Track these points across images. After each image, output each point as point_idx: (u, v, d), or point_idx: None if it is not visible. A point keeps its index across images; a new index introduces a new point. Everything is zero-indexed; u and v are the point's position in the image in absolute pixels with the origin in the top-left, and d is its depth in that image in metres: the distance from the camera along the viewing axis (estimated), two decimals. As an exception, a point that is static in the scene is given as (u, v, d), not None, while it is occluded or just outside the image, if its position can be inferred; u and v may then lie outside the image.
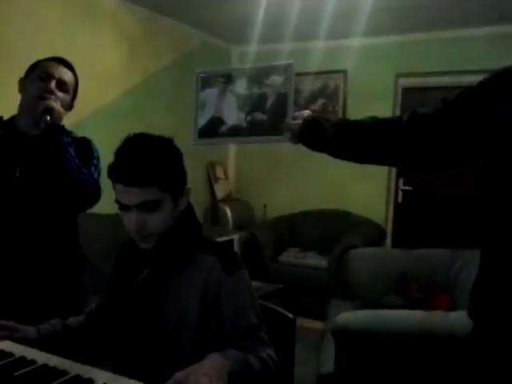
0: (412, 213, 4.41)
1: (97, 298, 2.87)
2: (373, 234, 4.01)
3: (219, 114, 1.29)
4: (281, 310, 1.42)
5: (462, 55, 3.99)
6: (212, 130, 1.30)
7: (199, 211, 4.58)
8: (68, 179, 1.51)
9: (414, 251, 3.01)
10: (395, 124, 1.15)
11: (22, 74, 1.64)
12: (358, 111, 4.45)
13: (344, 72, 4.53)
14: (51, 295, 1.58)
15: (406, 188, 4.42)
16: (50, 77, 1.57)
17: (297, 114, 1.24)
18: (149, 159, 1.10)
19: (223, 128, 1.29)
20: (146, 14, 3.83)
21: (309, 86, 4.68)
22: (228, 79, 1.29)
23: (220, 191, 4.74)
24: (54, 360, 1.04)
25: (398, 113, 4.40)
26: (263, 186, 4.88)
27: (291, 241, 4.39)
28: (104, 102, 3.54)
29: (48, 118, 1.51)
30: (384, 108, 4.35)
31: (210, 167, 4.74)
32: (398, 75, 4.37)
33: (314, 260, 3.98)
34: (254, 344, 1.09)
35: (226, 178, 4.95)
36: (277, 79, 1.25)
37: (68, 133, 1.63)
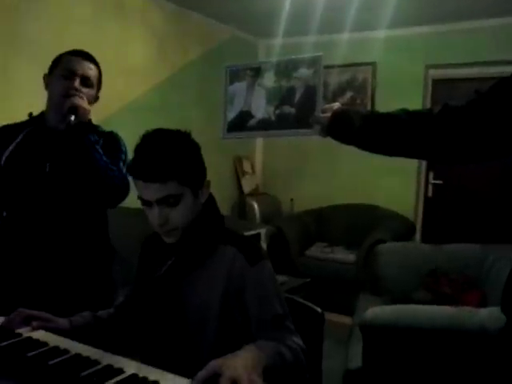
0: (442, 207, 4.32)
1: (125, 291, 2.94)
2: (402, 229, 3.94)
3: (248, 108, 1.29)
4: (309, 304, 1.41)
5: (492, 45, 3.88)
6: (241, 123, 1.30)
7: (226, 205, 4.61)
8: (97, 177, 1.53)
9: (445, 246, 2.95)
10: (427, 116, 1.13)
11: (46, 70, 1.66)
12: (387, 104, 4.36)
13: (372, 64, 4.46)
14: (82, 288, 1.61)
15: (437, 182, 4.34)
16: (73, 74, 1.58)
17: (326, 106, 1.23)
18: (166, 154, 1.11)
19: (252, 121, 1.29)
20: (173, 9, 3.86)
21: (336, 78, 4.63)
22: (256, 72, 1.29)
23: (247, 185, 4.76)
24: (86, 350, 1.06)
25: (428, 105, 4.31)
26: (290, 179, 4.86)
27: (318, 235, 4.37)
28: (132, 98, 3.59)
29: (73, 117, 1.52)
30: (414, 100, 4.27)
31: (238, 161, 4.76)
32: (428, 66, 4.27)
33: (342, 254, 3.96)
34: (282, 334, 1.09)
35: (253, 172, 4.96)
36: (305, 72, 1.24)
37: (95, 128, 1.65)
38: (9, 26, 2.77)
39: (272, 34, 4.63)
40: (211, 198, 1.25)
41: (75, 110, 1.53)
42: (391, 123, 1.15)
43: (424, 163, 4.40)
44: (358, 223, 4.20)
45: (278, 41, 4.80)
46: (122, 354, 1.07)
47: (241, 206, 4.58)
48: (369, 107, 4.50)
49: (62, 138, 1.59)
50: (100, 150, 1.56)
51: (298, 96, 1.25)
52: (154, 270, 1.24)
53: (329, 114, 1.21)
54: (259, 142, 5.12)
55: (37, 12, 2.89)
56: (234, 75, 1.32)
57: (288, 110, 1.25)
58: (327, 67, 4.65)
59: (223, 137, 1.34)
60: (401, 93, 4.32)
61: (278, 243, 3.91)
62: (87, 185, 1.56)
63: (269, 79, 1.27)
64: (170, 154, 1.12)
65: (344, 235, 4.24)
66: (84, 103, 1.56)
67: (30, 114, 1.67)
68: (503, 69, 3.85)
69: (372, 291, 3.05)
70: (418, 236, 4.30)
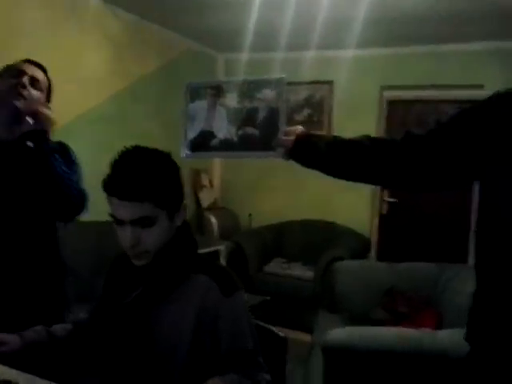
0: (397, 224, 4.43)
1: (81, 307, 2.80)
2: (357, 245, 4.01)
3: (209, 128, 1.27)
4: (272, 328, 1.40)
5: (446, 69, 4.05)
6: (203, 143, 1.28)
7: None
8: (55, 186, 1.45)
9: (400, 265, 3.01)
10: (390, 144, 1.15)
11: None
12: (343, 122, 4.48)
13: (330, 83, 4.54)
14: (31, 303, 1.51)
15: (391, 200, 4.44)
16: (21, 73, 1.51)
17: (289, 129, 1.23)
18: (145, 174, 1.07)
19: (214, 142, 1.26)
20: (131, 19, 3.77)
21: (294, 95, 4.68)
22: (218, 91, 1.27)
23: (205, 199, 4.69)
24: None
25: (382, 125, 4.44)
26: (249, 194, 4.85)
27: (277, 251, 4.36)
28: (88, 107, 3.47)
29: (31, 121, 1.44)
30: (369, 120, 4.39)
31: (195, 174, 4.69)
32: (383, 88, 4.40)
33: (300, 271, 3.96)
34: (251, 369, 1.08)
35: (211, 185, 4.90)
36: (268, 93, 1.23)
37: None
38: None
39: (232, 48, 4.64)
40: (185, 222, 1.21)
41: (35, 115, 1.45)
42: (355, 150, 1.16)
43: (379, 181, 4.50)
44: (316, 239, 4.24)
45: (237, 55, 4.81)
46: (80, 374, 1.01)
47: (198, 220, 4.51)
48: (326, 125, 4.58)
49: (9, 148, 1.48)
50: (59, 158, 1.47)
51: (260, 117, 1.23)
52: (123, 293, 1.18)
53: (292, 138, 1.21)
54: (217, 156, 5.07)
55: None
56: (195, 93, 1.29)
57: (251, 131, 1.23)
58: (287, 84, 4.69)
59: (184, 156, 1.31)
60: (357, 112, 4.43)
61: (237, 259, 3.87)
62: (41, 194, 1.46)
63: (231, 99, 1.25)
64: (150, 173, 1.08)
65: (302, 251, 4.26)
66: (47, 110, 1.48)
67: None
68: (455, 92, 4.03)
69: (330, 309, 3.06)
70: (373, 252, 4.38)
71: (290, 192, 4.68)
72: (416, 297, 2.72)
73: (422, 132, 1.11)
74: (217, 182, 5.06)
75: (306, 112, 4.68)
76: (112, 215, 1.10)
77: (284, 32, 3.74)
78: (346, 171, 1.19)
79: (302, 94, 4.65)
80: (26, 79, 1.50)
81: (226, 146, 1.25)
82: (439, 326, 2.40)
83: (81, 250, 2.99)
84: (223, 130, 1.25)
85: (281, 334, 1.38)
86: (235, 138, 1.24)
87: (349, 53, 4.31)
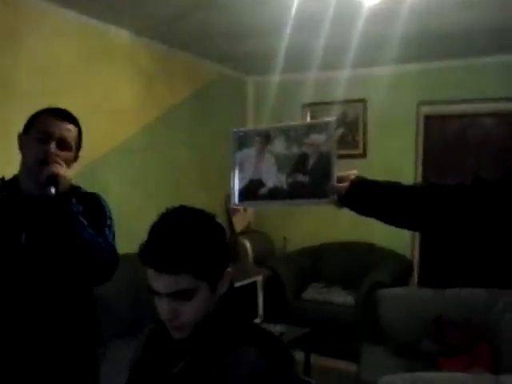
0: (439, 245, 4.23)
1: (119, 342, 2.74)
2: (399, 268, 3.84)
3: (258, 176, 1.22)
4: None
5: (485, 82, 3.90)
6: (252, 191, 1.24)
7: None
8: (82, 251, 1.39)
9: (447, 291, 2.85)
10: (458, 189, 1.05)
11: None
12: (379, 140, 4.37)
13: (363, 101, 4.44)
14: (64, 369, 1.46)
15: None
16: (49, 137, 1.43)
17: (342, 175, 1.15)
18: (185, 243, 0.97)
19: (263, 190, 1.21)
20: (160, 48, 3.80)
21: (327, 115, 4.60)
22: (266, 138, 1.22)
23: (238, 223, 4.63)
24: None
25: (421, 141, 4.29)
26: (283, 217, 4.75)
27: (314, 275, 4.24)
28: (121, 140, 3.49)
29: (53, 190, 1.37)
30: (406, 136, 4.27)
31: (228, 199, 4.64)
32: (421, 103, 4.26)
33: (340, 296, 3.82)
34: None
35: (245, 209, 4.84)
36: (317, 138, 1.16)
37: (75, 190, 1.51)
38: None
39: (261, 70, 4.61)
40: (231, 287, 1.10)
41: (55, 179, 1.38)
42: (418, 196, 1.07)
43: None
44: (355, 262, 4.10)
45: (267, 78, 4.78)
46: None
47: (232, 246, 4.44)
48: (361, 144, 4.46)
49: (38, 205, 1.44)
50: (84, 222, 1.41)
51: (310, 163, 1.17)
52: (163, 368, 1.08)
53: (346, 184, 1.13)
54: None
55: (23, 58, 2.80)
56: (242, 141, 1.25)
57: (301, 178, 1.17)
58: (318, 104, 4.62)
59: (234, 205, 1.27)
60: (393, 129, 4.31)
61: (273, 286, 3.77)
62: (69, 259, 1.40)
63: (279, 145, 1.20)
64: (190, 242, 0.98)
65: (340, 275, 4.13)
66: (63, 170, 1.41)
67: (2, 179, 1.52)
68: (495, 105, 3.87)
69: (374, 339, 2.93)
70: (415, 275, 4.19)
71: (326, 213, 4.55)
72: (467, 327, 2.56)
73: (495, 178, 1.03)
74: (250, 205, 5.00)
75: (339, 131, 4.58)
76: (148, 285, 1.01)
77: (317, 53, 3.67)
78: (409, 219, 1.11)
79: (335, 112, 4.57)
80: (53, 147, 1.43)
81: (276, 194, 1.20)
82: (495, 360, 2.24)
83: (117, 284, 2.95)
84: (272, 177, 1.20)
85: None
86: (285, 186, 1.19)
87: (383, 70, 4.21)
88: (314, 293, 3.92)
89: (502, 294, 2.62)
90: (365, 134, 4.47)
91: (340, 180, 1.14)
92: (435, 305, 2.78)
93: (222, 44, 3.74)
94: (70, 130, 1.48)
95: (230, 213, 4.60)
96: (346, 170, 1.17)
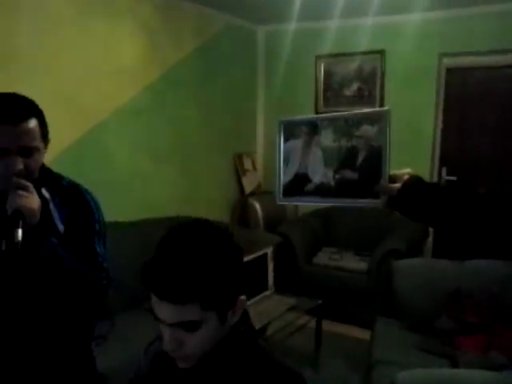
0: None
1: (125, 315, 2.68)
2: (415, 233, 3.69)
3: (304, 170, 1.12)
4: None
5: (509, 32, 3.56)
6: (297, 187, 1.14)
7: (227, 208, 4.36)
8: (67, 285, 1.26)
9: (467, 262, 2.71)
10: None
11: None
12: (397, 95, 4.09)
13: (381, 52, 4.13)
14: (58, 368, 1.37)
15: (450, 178, 4.08)
16: (7, 152, 1.19)
17: (396, 173, 1.01)
18: (192, 269, 0.82)
19: (309, 186, 1.12)
20: (162, 0, 3.51)
21: (342, 68, 4.32)
22: (313, 129, 1.10)
23: (248, 184, 4.49)
24: None
25: (441, 95, 4.02)
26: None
27: (325, 239, 4.12)
28: (124, 101, 3.28)
29: (20, 231, 1.11)
30: (426, 91, 4.01)
31: (238, 159, 4.47)
32: (442, 55, 3.95)
33: (352, 263, 3.70)
34: None
35: (255, 169, 4.68)
36: (369, 130, 1.03)
37: (56, 180, 1.34)
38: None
39: (273, 19, 4.30)
40: (244, 314, 0.96)
41: (20, 214, 1.15)
42: (476, 201, 0.96)
43: (437, 158, 4.13)
44: (368, 225, 3.96)
45: (279, 27, 4.47)
46: None
47: (242, 208, 4.32)
48: (377, 99, 4.20)
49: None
50: (64, 254, 1.24)
51: (360, 158, 1.05)
52: None
53: (398, 185, 0.99)
54: (260, 136, 4.82)
55: (15, 18, 2.57)
56: (289, 131, 1.13)
57: (349, 174, 1.06)
58: (332, 56, 4.33)
59: (279, 202, 1.18)
60: (412, 83, 4.04)
61: (285, 251, 3.67)
62: (57, 292, 1.28)
63: (327, 137, 1.08)
64: (198, 268, 0.83)
65: (352, 239, 4.01)
66: (28, 201, 1.16)
67: None
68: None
69: (387, 311, 2.84)
70: (430, 240, 4.04)
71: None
72: (487, 303, 2.44)
73: None
74: (260, 164, 4.83)
75: (355, 85, 4.32)
76: (152, 310, 0.89)
77: None
78: (467, 225, 0.99)
79: (351, 65, 4.28)
80: (16, 164, 1.19)
81: (322, 191, 1.11)
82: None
83: (124, 253, 2.87)
84: (319, 173, 1.11)
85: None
86: (332, 183, 1.09)
87: (400, 18, 3.89)
88: (325, 258, 3.81)
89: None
90: (382, 88, 4.20)
91: (391, 180, 1.00)
92: (454, 277, 2.65)
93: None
94: (28, 131, 1.21)
95: (239, 173, 4.45)
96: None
